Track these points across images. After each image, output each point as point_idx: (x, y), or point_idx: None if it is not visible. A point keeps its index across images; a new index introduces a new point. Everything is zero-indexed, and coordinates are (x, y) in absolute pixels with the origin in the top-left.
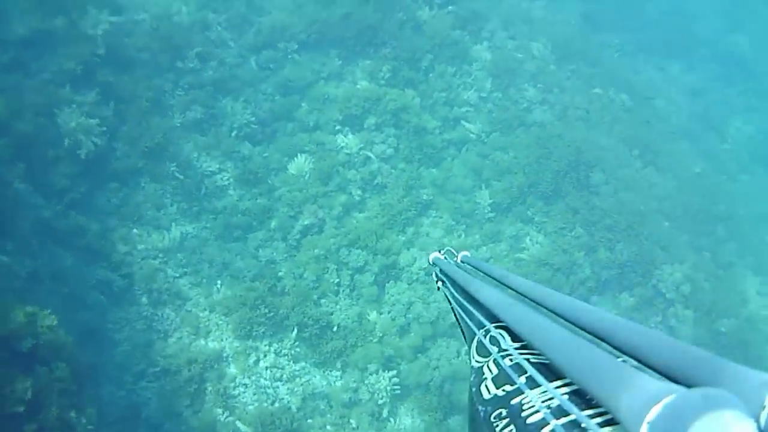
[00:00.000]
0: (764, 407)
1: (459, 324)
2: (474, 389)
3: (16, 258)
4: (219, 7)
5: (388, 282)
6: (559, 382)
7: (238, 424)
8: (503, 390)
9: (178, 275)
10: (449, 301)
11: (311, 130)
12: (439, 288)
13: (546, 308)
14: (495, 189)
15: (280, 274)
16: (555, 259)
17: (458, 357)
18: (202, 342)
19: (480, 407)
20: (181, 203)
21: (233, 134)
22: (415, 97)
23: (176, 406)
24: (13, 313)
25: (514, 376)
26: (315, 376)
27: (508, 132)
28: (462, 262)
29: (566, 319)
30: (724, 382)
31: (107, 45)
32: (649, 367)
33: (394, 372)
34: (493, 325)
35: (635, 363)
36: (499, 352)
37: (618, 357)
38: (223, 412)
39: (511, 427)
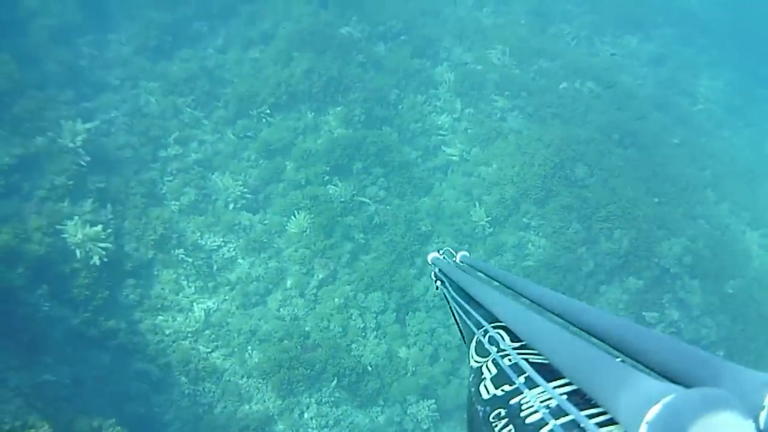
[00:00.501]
0: (763, 407)
1: (457, 324)
2: (473, 389)
3: (57, 369)
4: (183, 90)
5: (407, 315)
6: (558, 382)
7: None
8: (502, 390)
9: (209, 350)
10: (448, 301)
11: (302, 187)
12: (437, 288)
13: (545, 308)
14: (488, 204)
15: (306, 329)
16: (560, 259)
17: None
18: (247, 407)
19: (479, 407)
20: (197, 282)
21: (230, 207)
22: (392, 133)
23: None
24: (78, 424)
25: (513, 376)
26: (358, 416)
27: (487, 145)
28: (460, 262)
29: (565, 319)
30: (722, 383)
31: (89, 152)
32: (648, 367)
33: (432, 400)
34: (492, 325)
35: (633, 363)
36: (497, 352)
37: (617, 357)
38: None
39: (510, 426)
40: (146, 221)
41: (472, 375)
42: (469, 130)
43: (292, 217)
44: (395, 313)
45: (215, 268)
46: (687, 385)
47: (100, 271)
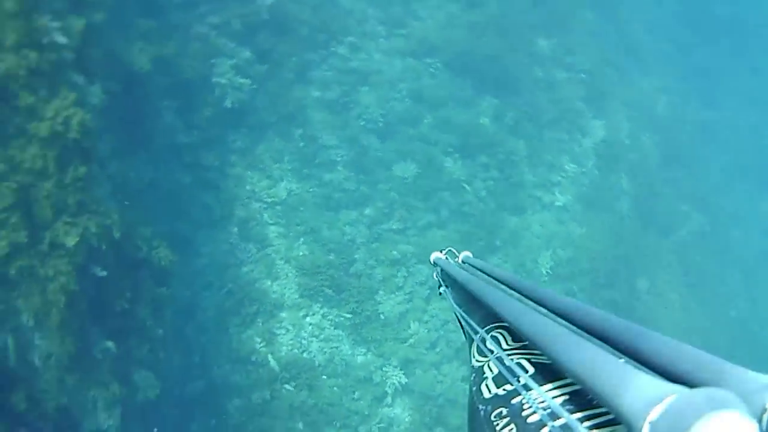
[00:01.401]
0: (766, 409)
1: (460, 323)
2: (474, 388)
3: (144, 168)
4: (379, 2)
5: (435, 299)
6: (559, 382)
7: (269, 357)
8: (504, 389)
9: (271, 222)
10: (450, 300)
11: (427, 144)
12: (440, 287)
13: (548, 309)
14: (558, 256)
15: (356, 256)
16: None
17: (462, 383)
18: (268, 283)
19: (480, 406)
20: (295, 163)
21: (361, 123)
22: (524, 150)
23: (226, 323)
24: (137, 228)
25: (511, 377)
26: (345, 346)
27: (590, 211)
28: (463, 262)
29: (567, 320)
30: (725, 383)
31: (272, 12)
32: (651, 368)
33: (408, 375)
34: (494, 324)
35: (637, 363)
36: (499, 351)
37: (620, 357)
38: (261, 342)
39: (512, 426)
40: (285, 94)
41: (474, 374)
42: (584, 189)
43: (403, 162)
44: (428, 291)
45: (317, 161)
46: (690, 386)
47: (225, 113)
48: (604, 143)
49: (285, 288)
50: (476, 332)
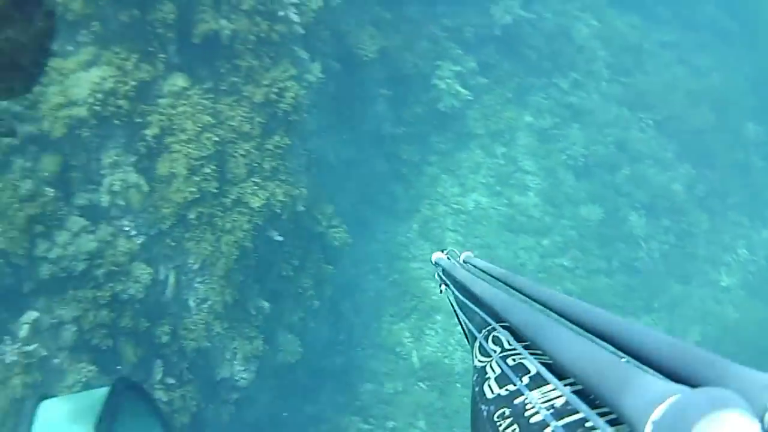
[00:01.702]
0: None
1: (461, 324)
2: (477, 389)
3: (345, 147)
4: (613, 47)
5: None
6: (562, 382)
7: (414, 353)
8: (506, 389)
9: (451, 229)
10: (451, 301)
11: (617, 193)
12: (441, 288)
13: (549, 308)
14: (707, 333)
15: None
16: None
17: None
18: (433, 285)
19: (483, 407)
20: (490, 179)
21: (562, 157)
22: (706, 224)
23: (382, 310)
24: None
25: (514, 377)
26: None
27: (751, 299)
28: (465, 262)
29: (569, 319)
30: (728, 383)
31: (505, 29)
32: (653, 368)
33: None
34: (496, 324)
35: (638, 363)
36: (501, 351)
37: (622, 357)
38: (410, 337)
39: (515, 426)
40: (498, 112)
41: (476, 374)
42: (750, 278)
43: (591, 205)
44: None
45: (511, 182)
46: (692, 386)
47: (436, 114)
48: None
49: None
50: (480, 331)
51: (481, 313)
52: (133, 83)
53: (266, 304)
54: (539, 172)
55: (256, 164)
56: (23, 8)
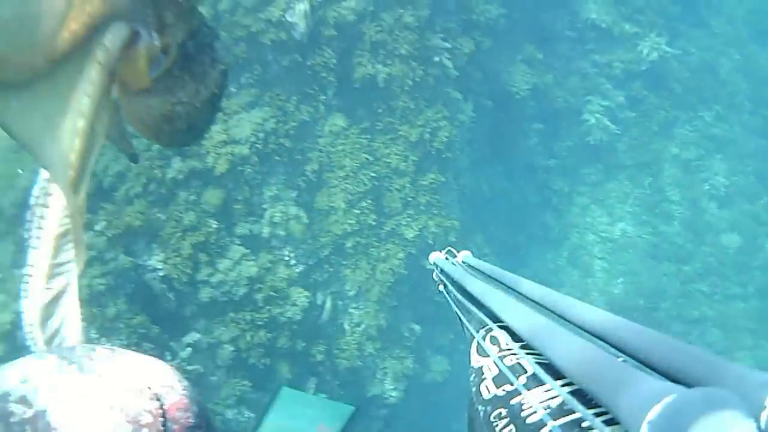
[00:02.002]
0: (764, 407)
1: (461, 323)
2: (474, 389)
3: (498, 178)
4: (758, 82)
5: None
6: (559, 382)
7: None
8: (503, 390)
9: (599, 256)
10: (449, 300)
11: (756, 222)
12: (439, 288)
13: (546, 308)
14: None
15: (662, 305)
16: None
17: None
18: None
19: (480, 407)
20: (637, 208)
21: (705, 187)
22: None
23: None
24: None
25: (512, 377)
26: None
27: None
28: (463, 262)
29: (566, 319)
30: (724, 382)
31: (653, 64)
32: (649, 367)
33: None
34: (494, 324)
35: (635, 363)
36: (499, 351)
37: (618, 357)
38: None
39: (511, 426)
40: (646, 144)
41: (474, 375)
42: None
43: (730, 233)
44: None
45: (657, 211)
46: (688, 385)
47: (586, 147)
48: None
49: None
50: (477, 331)
51: (478, 312)
52: (294, 123)
53: (417, 327)
54: (683, 202)
55: (410, 198)
56: (196, 69)
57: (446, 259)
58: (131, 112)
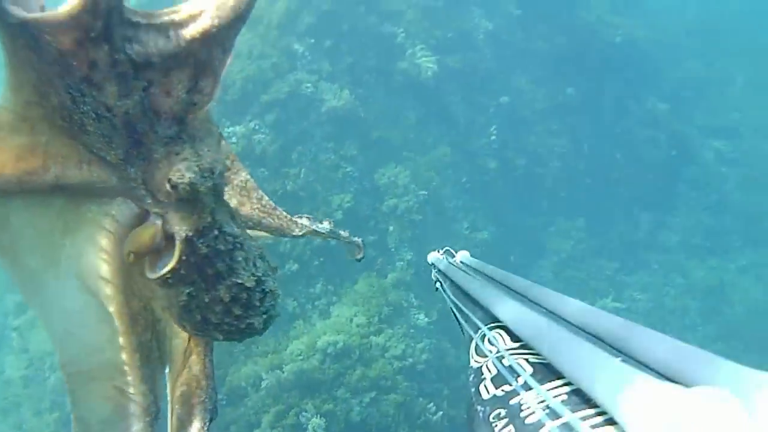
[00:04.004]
0: (762, 407)
1: (458, 324)
2: (473, 389)
3: None
4: None
5: None
6: (559, 382)
7: None
8: (502, 390)
9: None
10: (447, 300)
11: None
12: (437, 288)
13: (544, 308)
14: None
15: None
16: None
17: None
18: None
19: (479, 407)
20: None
21: None
22: None
23: None
24: None
25: (510, 378)
26: None
27: None
28: (461, 262)
29: (565, 319)
30: (722, 382)
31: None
32: (648, 367)
33: None
34: (492, 325)
35: (634, 362)
36: (497, 352)
37: (617, 356)
38: None
39: (510, 427)
40: None
41: (473, 375)
42: None
43: None
44: None
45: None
46: (687, 385)
47: None
48: None
49: None
50: (476, 331)
51: (477, 313)
52: None
53: None
54: None
55: None
56: (207, 272)
57: (444, 258)
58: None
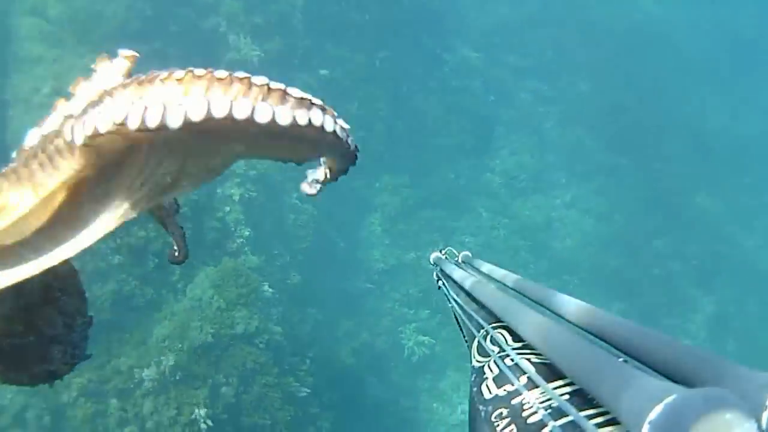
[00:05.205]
0: (765, 408)
1: (459, 324)
2: (475, 389)
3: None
4: None
5: None
6: (560, 382)
7: None
8: (504, 390)
9: None
10: (449, 301)
11: None
12: (439, 288)
13: (547, 308)
14: None
15: None
16: None
17: None
18: None
19: (481, 407)
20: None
21: None
22: None
23: None
24: None
25: (513, 377)
26: None
27: None
28: (463, 262)
29: (567, 319)
30: (725, 382)
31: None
32: (650, 368)
33: None
34: (494, 325)
35: (636, 363)
36: (499, 352)
37: (619, 357)
38: None
39: (512, 426)
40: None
41: (474, 375)
42: None
43: None
44: None
45: None
46: (689, 385)
47: (413, 366)
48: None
49: None
50: (478, 331)
51: (479, 312)
52: None
53: None
54: None
55: None
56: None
57: (446, 258)
58: None
